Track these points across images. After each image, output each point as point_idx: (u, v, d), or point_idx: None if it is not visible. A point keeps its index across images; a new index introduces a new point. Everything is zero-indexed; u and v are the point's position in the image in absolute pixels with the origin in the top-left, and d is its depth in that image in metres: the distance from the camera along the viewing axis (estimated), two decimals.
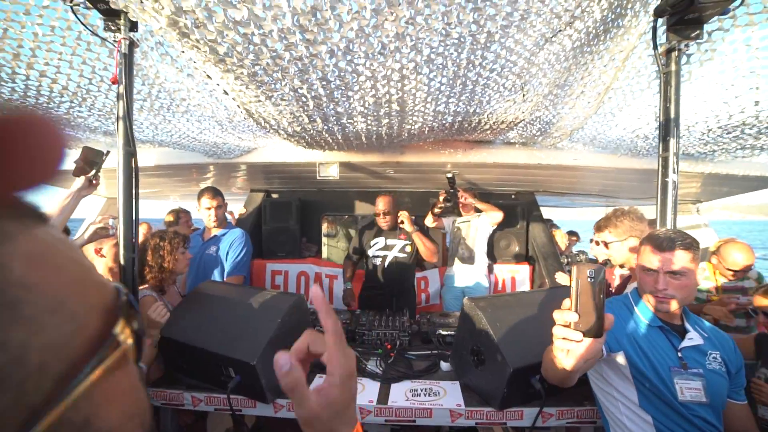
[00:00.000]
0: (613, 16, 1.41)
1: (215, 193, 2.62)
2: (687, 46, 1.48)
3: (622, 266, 1.96)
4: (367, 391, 1.63)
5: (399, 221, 2.77)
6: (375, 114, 2.02)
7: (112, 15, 1.46)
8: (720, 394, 1.19)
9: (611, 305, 1.37)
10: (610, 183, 3.97)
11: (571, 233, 4.68)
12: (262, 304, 1.66)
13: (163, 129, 2.50)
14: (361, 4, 1.14)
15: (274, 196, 4.29)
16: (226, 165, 3.39)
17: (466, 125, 2.38)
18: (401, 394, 1.61)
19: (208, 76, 1.68)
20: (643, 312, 1.30)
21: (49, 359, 0.23)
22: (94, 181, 1.91)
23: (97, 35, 1.53)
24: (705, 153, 2.76)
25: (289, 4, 1.10)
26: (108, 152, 1.93)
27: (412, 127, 2.29)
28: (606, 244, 1.90)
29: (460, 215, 3.40)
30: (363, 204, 4.27)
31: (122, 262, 1.61)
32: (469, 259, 3.23)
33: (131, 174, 1.63)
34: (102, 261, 1.89)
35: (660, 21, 1.47)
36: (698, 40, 1.44)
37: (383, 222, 2.84)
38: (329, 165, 3.22)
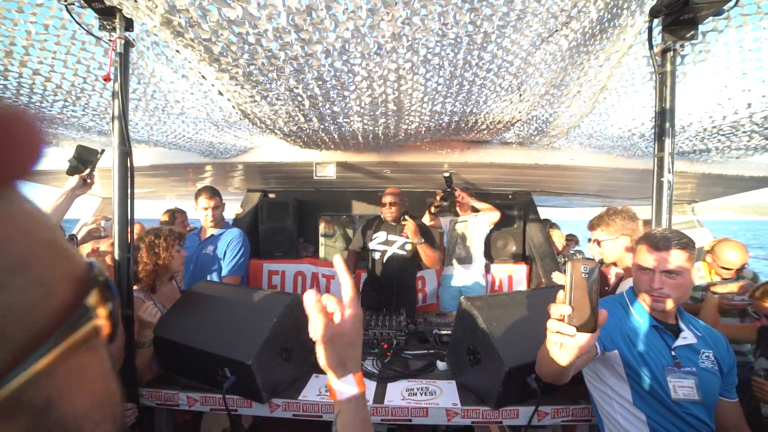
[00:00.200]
0: (609, 16, 1.41)
1: (213, 193, 2.60)
2: (682, 46, 1.49)
3: (615, 264, 1.98)
4: None
5: (403, 226, 2.77)
6: (371, 114, 2.01)
7: (107, 14, 1.45)
8: (712, 393, 1.21)
9: (606, 304, 1.38)
10: (606, 183, 3.99)
11: (570, 237, 4.69)
12: (257, 304, 1.66)
13: (159, 129, 2.48)
14: (356, 3, 1.14)
15: (271, 196, 4.28)
16: (223, 165, 3.38)
17: (463, 125, 2.39)
18: (397, 393, 1.61)
19: (203, 77, 1.68)
20: (639, 311, 1.31)
21: (6, 325, 0.21)
22: (88, 180, 1.89)
23: (92, 34, 1.52)
24: (700, 152, 2.78)
25: (284, 3, 1.10)
26: (103, 151, 1.92)
27: (409, 127, 2.29)
28: (598, 243, 1.92)
29: (457, 215, 3.41)
30: (360, 204, 4.26)
31: (116, 261, 1.60)
32: (466, 258, 3.23)
33: (126, 174, 1.61)
34: (97, 257, 1.88)
35: (655, 21, 1.48)
36: (693, 41, 1.45)
37: (388, 213, 2.84)
38: (326, 165, 3.22)
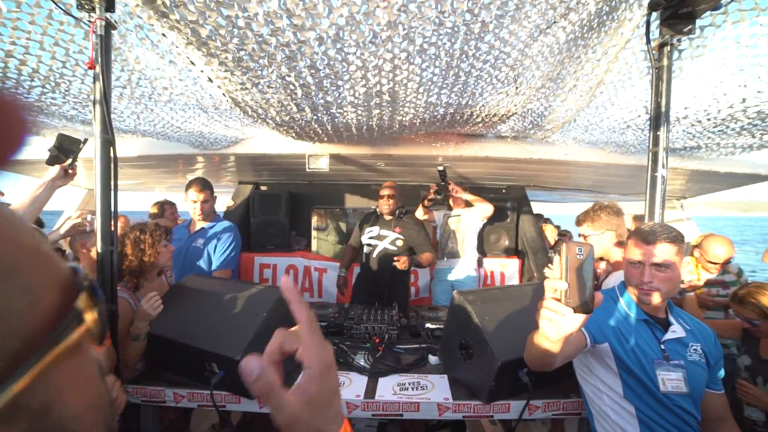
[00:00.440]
0: (607, 9, 1.39)
1: (203, 186, 2.52)
2: (679, 41, 1.48)
3: (602, 259, 2.00)
4: (354, 386, 1.62)
5: (398, 221, 2.81)
6: (365, 104, 1.97)
7: None
8: (699, 385, 1.23)
9: None
10: (599, 178, 4.01)
11: (562, 233, 4.71)
12: (246, 298, 1.63)
13: (146, 118, 2.40)
14: None
15: (263, 188, 4.21)
16: (214, 156, 3.30)
17: (458, 117, 2.36)
18: (389, 388, 1.60)
19: (191, 62, 1.61)
20: (629, 305, 1.33)
21: None
22: (70, 171, 1.81)
23: (70, 14, 1.44)
24: (692, 148, 2.80)
25: None
26: (86, 140, 1.83)
27: (404, 119, 2.26)
28: (585, 238, 1.96)
29: (450, 209, 3.39)
30: (354, 197, 4.22)
31: (100, 254, 1.54)
32: (459, 252, 3.23)
33: (109, 164, 1.55)
34: (86, 256, 1.81)
35: (653, 15, 1.47)
36: (690, 35, 1.44)
37: (385, 205, 2.84)
38: (319, 157, 3.17)
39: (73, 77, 1.81)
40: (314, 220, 4.50)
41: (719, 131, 2.33)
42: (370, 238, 2.88)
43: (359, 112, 2.10)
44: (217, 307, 1.62)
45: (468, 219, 3.23)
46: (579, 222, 2.02)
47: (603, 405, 1.30)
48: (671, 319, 1.30)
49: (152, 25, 1.39)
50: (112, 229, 1.54)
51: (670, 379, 1.20)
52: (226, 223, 2.62)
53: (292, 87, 1.70)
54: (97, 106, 1.49)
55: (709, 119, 2.14)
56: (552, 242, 4.23)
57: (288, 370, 0.48)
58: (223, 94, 1.87)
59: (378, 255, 2.83)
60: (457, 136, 3.07)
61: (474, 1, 1.20)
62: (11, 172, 3.72)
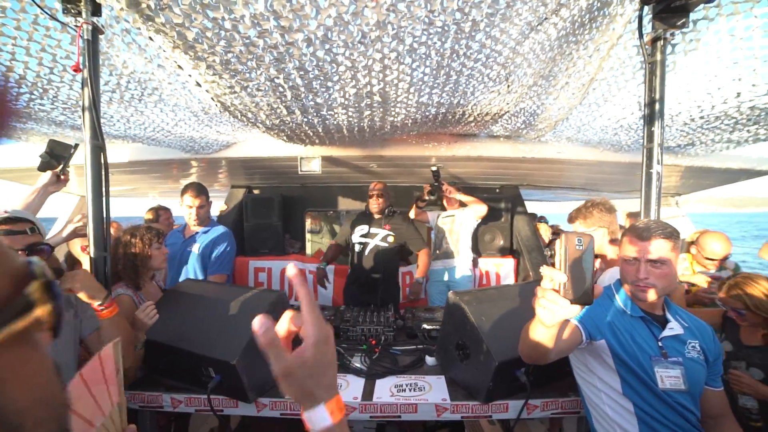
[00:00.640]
0: (598, 4, 1.39)
1: (199, 191, 2.52)
2: (672, 35, 1.48)
3: (595, 257, 2.00)
4: (351, 388, 1.60)
5: (389, 218, 2.84)
6: (356, 106, 1.96)
7: None
8: (698, 382, 1.22)
9: None
10: (593, 176, 4.02)
11: (556, 232, 4.72)
12: (242, 302, 1.61)
13: (136, 121, 2.38)
14: None
15: (256, 191, 4.19)
16: (205, 160, 3.28)
17: (450, 117, 2.35)
18: (386, 389, 1.59)
19: (179, 66, 1.59)
20: (625, 302, 1.32)
21: None
22: (62, 177, 1.81)
23: (56, 19, 1.42)
24: (686, 145, 2.81)
25: None
26: (77, 145, 1.82)
27: (395, 119, 2.25)
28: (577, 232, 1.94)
29: (444, 209, 3.39)
30: (346, 199, 4.21)
31: (93, 260, 1.52)
32: (453, 253, 3.23)
33: (100, 169, 1.53)
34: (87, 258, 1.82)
35: (646, 9, 1.46)
36: (683, 29, 1.44)
37: (375, 204, 2.88)
38: (311, 159, 3.15)
39: (61, 83, 1.79)
40: (308, 223, 4.48)
41: (713, 127, 2.33)
42: (361, 236, 2.90)
43: (350, 113, 2.08)
44: (212, 312, 1.60)
45: (462, 219, 3.23)
46: (571, 219, 2.02)
47: (601, 403, 1.29)
48: (668, 316, 1.29)
49: (138, 29, 1.37)
50: (105, 234, 1.53)
51: (669, 377, 1.19)
52: (221, 228, 2.60)
53: (281, 89, 1.69)
54: (86, 112, 1.47)
55: (702, 116, 2.14)
56: (546, 241, 4.23)
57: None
58: (212, 98, 1.85)
59: (370, 252, 2.86)
60: (449, 136, 3.06)
61: None
62: (5, 180, 3.69)
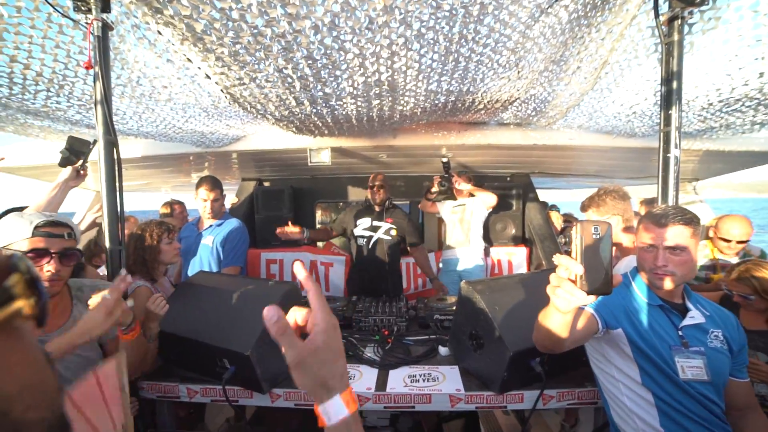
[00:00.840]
0: None
1: (214, 185, 2.55)
2: (691, 13, 1.42)
3: None
4: (364, 378, 1.61)
5: (390, 212, 2.86)
6: (365, 95, 1.94)
7: None
8: (722, 372, 1.18)
9: None
10: (606, 163, 3.93)
11: (568, 220, 4.64)
12: (255, 294, 1.63)
13: (147, 119, 2.41)
14: None
15: (266, 184, 4.21)
16: (216, 154, 3.31)
17: (460, 105, 2.31)
18: (399, 380, 1.59)
19: (188, 59, 1.60)
20: (643, 290, 1.28)
21: None
22: (81, 172, 1.88)
23: (68, 17, 1.44)
24: (704, 130, 2.71)
25: None
26: (95, 141, 1.86)
27: (404, 108, 2.22)
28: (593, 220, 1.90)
29: (455, 198, 3.36)
30: (356, 190, 4.20)
31: (107, 253, 1.56)
32: (465, 242, 3.20)
33: (114, 164, 1.56)
34: None
35: None
36: (702, 8, 1.37)
37: (376, 195, 2.89)
38: (320, 150, 3.15)
39: (76, 78, 1.82)
40: (318, 214, 4.50)
41: (733, 110, 2.24)
42: (364, 229, 2.91)
43: (359, 103, 2.07)
44: (226, 304, 1.62)
45: (473, 208, 3.20)
46: (584, 207, 1.98)
47: (619, 393, 1.26)
48: (689, 304, 1.25)
49: (147, 23, 1.38)
50: (119, 228, 1.56)
51: (690, 367, 1.15)
52: (234, 221, 2.63)
53: (289, 80, 1.68)
54: (99, 107, 1.49)
55: (721, 100, 2.06)
56: (559, 229, 4.17)
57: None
58: (222, 91, 1.85)
59: (375, 245, 2.89)
60: (459, 125, 3.03)
61: None
62: (27, 177, 3.79)
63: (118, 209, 1.56)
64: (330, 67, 1.57)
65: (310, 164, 3.20)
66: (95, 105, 1.50)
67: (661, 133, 1.53)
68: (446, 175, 3.06)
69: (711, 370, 1.15)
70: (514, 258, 3.68)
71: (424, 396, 1.50)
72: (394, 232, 2.89)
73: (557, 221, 4.24)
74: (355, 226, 2.94)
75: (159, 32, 1.40)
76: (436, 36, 1.42)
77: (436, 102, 2.18)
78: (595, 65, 1.91)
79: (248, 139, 3.13)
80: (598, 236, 0.77)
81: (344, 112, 2.23)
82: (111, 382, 0.75)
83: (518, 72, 1.87)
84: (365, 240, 2.90)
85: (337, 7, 1.18)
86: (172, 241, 1.88)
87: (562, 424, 2.45)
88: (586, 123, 2.79)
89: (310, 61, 1.51)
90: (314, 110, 2.16)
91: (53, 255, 1.21)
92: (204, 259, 2.51)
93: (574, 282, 0.79)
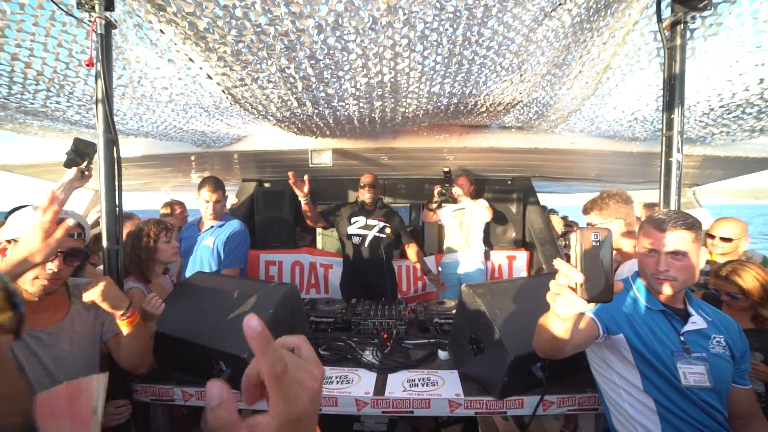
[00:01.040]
0: None
1: (216, 186, 2.54)
2: (693, 18, 1.42)
3: None
4: (363, 382, 1.59)
5: (381, 212, 2.90)
6: (367, 96, 1.94)
7: None
8: (724, 379, 1.17)
9: None
10: (607, 167, 3.93)
11: (569, 225, 4.63)
12: (253, 296, 1.61)
13: (148, 119, 2.40)
14: None
15: (267, 185, 4.21)
16: (216, 154, 3.30)
17: (462, 108, 2.31)
18: (398, 384, 1.57)
19: (190, 59, 1.60)
20: (644, 295, 1.27)
21: None
22: (86, 173, 1.89)
23: (71, 15, 1.44)
24: (704, 136, 2.71)
25: None
26: None
27: (406, 110, 2.22)
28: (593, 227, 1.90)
29: (455, 202, 3.36)
30: (357, 192, 4.19)
31: (105, 252, 1.54)
32: (465, 246, 3.20)
33: (113, 163, 1.55)
34: None
35: None
36: (704, 13, 1.38)
37: (367, 194, 2.90)
38: (322, 152, 3.15)
39: (77, 78, 1.82)
40: None
41: (734, 117, 2.24)
42: (359, 228, 2.91)
43: (361, 104, 2.06)
44: (223, 305, 1.60)
45: (472, 212, 3.20)
46: (586, 210, 1.97)
47: (620, 400, 1.25)
48: (690, 310, 1.24)
49: (150, 22, 1.37)
50: (117, 228, 1.55)
51: (692, 373, 1.14)
52: (235, 223, 2.62)
53: (292, 80, 1.68)
54: (99, 105, 1.49)
55: (722, 105, 2.06)
56: (559, 233, 4.17)
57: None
58: (223, 91, 1.85)
59: (369, 244, 2.89)
60: (460, 128, 3.03)
61: None
62: (25, 176, 3.78)
63: (117, 208, 1.55)
64: (333, 67, 1.57)
65: (311, 165, 3.20)
66: (96, 103, 1.50)
67: (663, 137, 1.53)
68: (447, 185, 3.09)
69: (713, 376, 1.14)
70: (515, 262, 3.68)
71: (422, 401, 1.48)
72: (388, 230, 2.91)
73: (558, 225, 4.23)
74: (350, 225, 2.94)
75: (161, 31, 1.40)
76: (440, 38, 1.42)
77: (439, 104, 2.18)
78: (597, 69, 1.91)
79: (249, 139, 3.13)
80: (597, 243, 0.76)
81: (346, 113, 2.23)
82: (84, 402, 0.64)
83: (521, 75, 1.87)
84: (360, 239, 2.90)
85: (340, 7, 1.17)
86: (170, 239, 1.87)
87: (561, 430, 2.43)
88: (587, 127, 2.79)
89: (312, 61, 1.50)
90: (316, 111, 2.16)
91: (59, 253, 1.20)
92: (204, 260, 2.50)
93: (574, 290, 0.78)
